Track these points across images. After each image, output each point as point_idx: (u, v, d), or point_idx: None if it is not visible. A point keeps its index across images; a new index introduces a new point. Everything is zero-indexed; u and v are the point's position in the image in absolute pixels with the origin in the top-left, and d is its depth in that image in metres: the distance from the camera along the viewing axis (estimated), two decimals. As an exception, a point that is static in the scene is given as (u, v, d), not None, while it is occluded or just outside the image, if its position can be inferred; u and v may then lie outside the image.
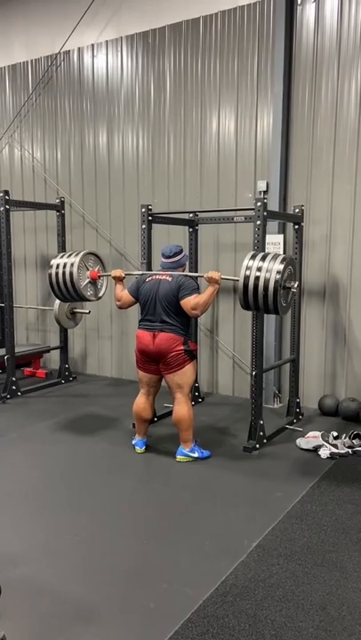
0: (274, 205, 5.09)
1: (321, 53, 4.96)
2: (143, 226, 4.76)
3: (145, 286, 4.08)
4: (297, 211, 4.77)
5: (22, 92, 6.91)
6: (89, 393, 5.93)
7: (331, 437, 4.17)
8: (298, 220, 4.78)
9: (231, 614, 2.36)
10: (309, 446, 4.20)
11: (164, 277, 4.04)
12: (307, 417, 5.04)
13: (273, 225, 5.09)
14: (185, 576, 2.66)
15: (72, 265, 4.43)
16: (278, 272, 3.57)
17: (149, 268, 4.80)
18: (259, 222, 4.08)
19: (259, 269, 3.62)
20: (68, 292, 4.48)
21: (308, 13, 4.97)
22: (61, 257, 4.57)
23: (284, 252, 5.15)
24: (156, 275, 4.13)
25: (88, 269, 4.60)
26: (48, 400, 5.67)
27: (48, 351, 6.73)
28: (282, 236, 5.16)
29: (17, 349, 5.82)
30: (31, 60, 6.78)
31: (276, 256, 3.69)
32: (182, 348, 3.93)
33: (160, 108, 5.90)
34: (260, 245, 4.08)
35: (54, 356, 6.75)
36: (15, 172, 7.11)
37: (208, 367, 5.86)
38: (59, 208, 6.09)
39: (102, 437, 4.54)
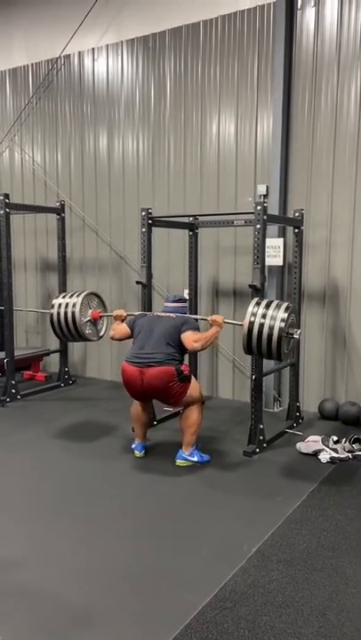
0: (274, 209, 5.09)
1: (321, 58, 4.96)
2: (143, 229, 4.76)
3: (144, 319, 4.11)
4: (297, 214, 4.77)
5: (23, 96, 6.91)
6: (89, 396, 5.92)
7: (331, 442, 4.17)
8: (298, 223, 4.78)
9: (230, 620, 2.35)
10: (309, 450, 4.20)
11: (166, 315, 4.07)
12: (307, 421, 5.03)
13: (273, 229, 5.09)
14: (184, 581, 2.65)
15: (74, 305, 4.49)
16: (283, 320, 3.67)
17: (149, 272, 4.80)
18: (259, 226, 4.08)
19: (263, 316, 3.71)
20: (68, 329, 4.52)
21: (308, 18, 4.98)
22: (63, 297, 4.63)
23: (285, 255, 5.16)
24: (157, 313, 4.17)
25: (90, 308, 4.65)
26: (48, 403, 5.66)
27: (48, 354, 6.72)
28: (282, 239, 5.16)
29: (16, 352, 5.81)
30: (32, 64, 6.79)
31: (279, 304, 3.78)
32: (176, 379, 3.83)
33: (160, 112, 5.91)
34: (260, 249, 4.08)
35: (54, 359, 6.73)
36: (15, 175, 7.12)
37: (208, 370, 5.85)
38: (59, 211, 6.10)
39: (102, 441, 4.53)
